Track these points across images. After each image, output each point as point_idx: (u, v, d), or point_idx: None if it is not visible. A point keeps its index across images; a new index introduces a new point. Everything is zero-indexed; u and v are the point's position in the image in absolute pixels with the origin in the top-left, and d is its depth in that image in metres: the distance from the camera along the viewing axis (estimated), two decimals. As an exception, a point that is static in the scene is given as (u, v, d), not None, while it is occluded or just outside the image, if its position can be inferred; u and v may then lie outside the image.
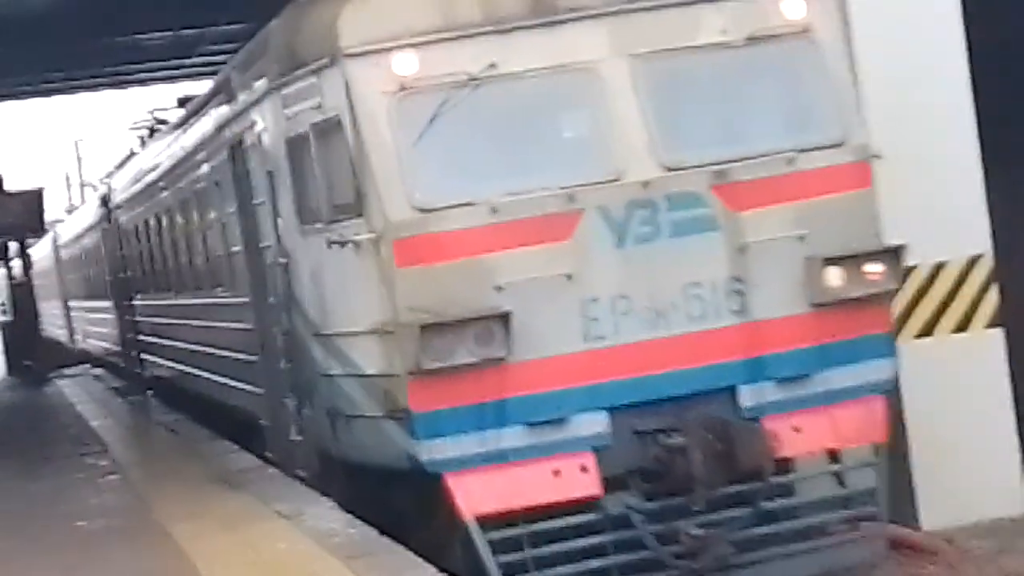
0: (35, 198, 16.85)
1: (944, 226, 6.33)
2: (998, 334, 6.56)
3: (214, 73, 11.45)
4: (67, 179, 33.43)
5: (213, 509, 6.11)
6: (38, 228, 18.00)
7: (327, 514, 5.50)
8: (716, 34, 4.61)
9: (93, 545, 5.87)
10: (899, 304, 5.84)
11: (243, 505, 6.10)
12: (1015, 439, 6.47)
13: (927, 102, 6.28)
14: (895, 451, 5.12)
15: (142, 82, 19.23)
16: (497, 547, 4.21)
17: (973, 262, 6.53)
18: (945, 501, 6.07)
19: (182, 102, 10.61)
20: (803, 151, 4.57)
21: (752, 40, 4.61)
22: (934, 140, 6.31)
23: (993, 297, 6.57)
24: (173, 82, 18.18)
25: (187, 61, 16.24)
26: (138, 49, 15.04)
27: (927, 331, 6.39)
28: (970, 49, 6.43)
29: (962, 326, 6.49)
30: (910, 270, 5.46)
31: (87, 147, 34.22)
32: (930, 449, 6.06)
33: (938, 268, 6.41)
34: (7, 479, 8.65)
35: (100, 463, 8.92)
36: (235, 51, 9.22)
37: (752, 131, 4.87)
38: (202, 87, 12.47)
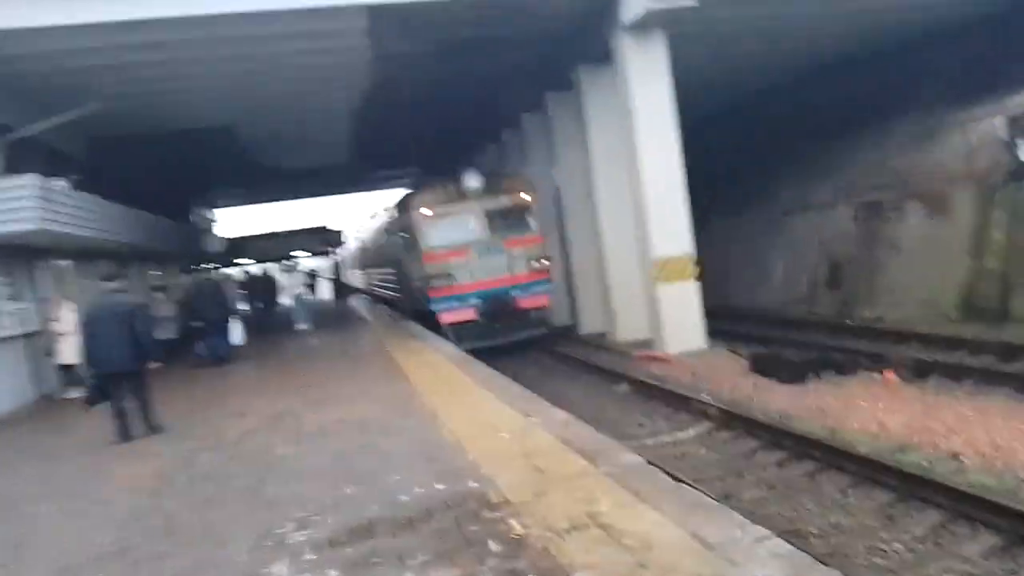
0: (338, 234, 36.08)
1: (675, 240, 14.48)
2: (695, 284, 14.48)
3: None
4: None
5: (408, 346, 14.65)
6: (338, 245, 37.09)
7: (451, 348, 13.93)
8: (505, 202, 16.98)
9: (361, 360, 13.92)
10: (661, 269, 14.80)
11: (419, 345, 14.56)
12: (701, 320, 14.56)
13: (667, 194, 14.31)
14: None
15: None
16: (453, 330, 16.26)
17: (686, 253, 14.44)
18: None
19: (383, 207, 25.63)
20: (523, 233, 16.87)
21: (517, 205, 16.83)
22: (670, 209, 14.29)
23: (695, 268, 14.54)
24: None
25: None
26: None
27: (668, 281, 14.90)
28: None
29: (682, 278, 14.77)
30: (663, 259, 14.34)
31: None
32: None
33: (674, 256, 14.84)
34: (333, 335, 18.98)
35: (366, 328, 20.47)
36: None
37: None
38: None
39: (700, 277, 14.58)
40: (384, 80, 16.24)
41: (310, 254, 37.76)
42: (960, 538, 6.10)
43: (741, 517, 4.39)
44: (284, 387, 11.68)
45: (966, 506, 6.35)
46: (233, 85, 15.51)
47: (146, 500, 6.52)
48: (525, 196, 17.27)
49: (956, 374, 10.89)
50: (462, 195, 16.81)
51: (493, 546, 4.41)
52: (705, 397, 10.87)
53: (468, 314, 16.20)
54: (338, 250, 37.97)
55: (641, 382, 12.57)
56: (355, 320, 23.73)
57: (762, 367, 12.26)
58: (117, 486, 7.14)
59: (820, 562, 4.04)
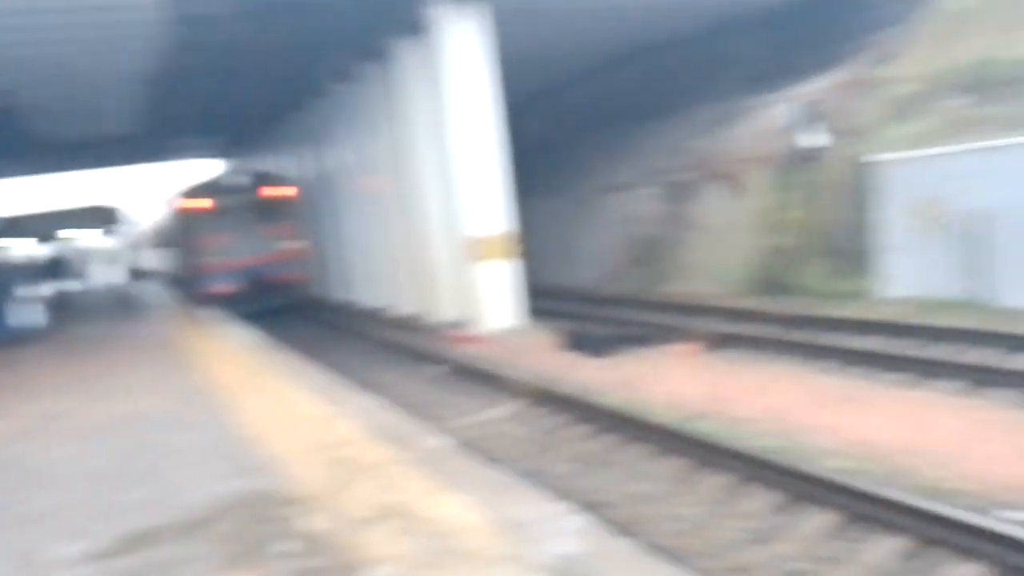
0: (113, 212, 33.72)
1: (493, 219, 14.38)
2: (513, 262, 14.61)
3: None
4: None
5: (205, 333, 13.93)
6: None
7: (253, 335, 14.17)
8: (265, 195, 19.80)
9: (152, 349, 14.52)
10: (477, 249, 14.74)
11: (217, 332, 14.40)
12: (519, 299, 14.80)
13: (484, 172, 14.24)
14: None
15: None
16: (221, 300, 18.54)
17: (505, 233, 14.63)
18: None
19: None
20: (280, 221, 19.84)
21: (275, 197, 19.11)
22: (488, 188, 14.25)
23: (514, 247, 14.76)
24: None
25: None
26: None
27: (485, 259, 14.96)
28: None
29: (500, 257, 14.92)
30: (480, 237, 14.28)
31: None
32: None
33: (492, 235, 14.98)
34: (122, 323, 18.02)
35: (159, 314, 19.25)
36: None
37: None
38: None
39: (519, 256, 14.69)
40: (184, 44, 15.08)
41: (95, 234, 34.80)
42: (749, 498, 6.44)
43: (546, 495, 4.36)
44: (66, 377, 10.64)
45: (754, 468, 6.72)
46: (9, 44, 13.75)
47: None
48: (282, 190, 21.51)
49: (749, 344, 11.63)
50: (229, 190, 20.70)
51: (290, 545, 4.14)
52: (517, 375, 10.95)
53: (232, 287, 19.66)
54: (129, 230, 35.15)
55: (456, 363, 12.51)
56: (147, 306, 22.26)
57: (574, 343, 12.56)
58: None
59: (621, 535, 4.07)
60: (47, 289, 27.00)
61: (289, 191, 21.42)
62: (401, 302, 18.05)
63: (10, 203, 36.39)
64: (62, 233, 32.71)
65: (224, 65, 17.74)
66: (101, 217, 32.48)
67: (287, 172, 24.53)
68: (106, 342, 14.26)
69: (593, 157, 20.85)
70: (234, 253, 19.66)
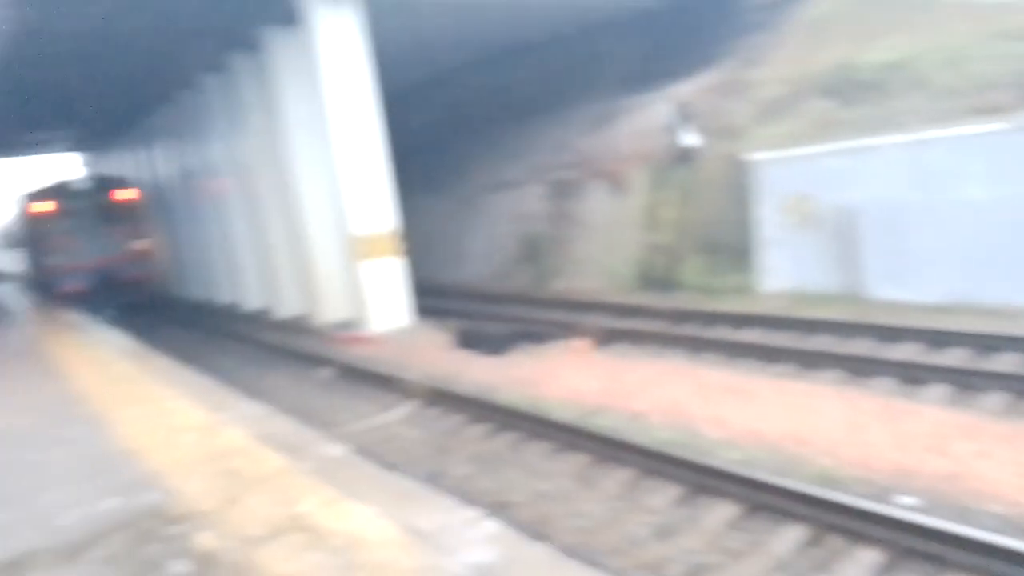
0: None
1: (377, 216, 14.16)
2: (400, 261, 14.39)
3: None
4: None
5: (71, 340, 12.97)
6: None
7: (124, 340, 13.35)
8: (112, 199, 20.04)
9: (11, 357, 14.21)
10: (362, 248, 14.31)
11: (84, 339, 13.21)
12: (407, 298, 14.54)
13: (367, 168, 13.96)
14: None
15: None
16: (71, 298, 19.87)
17: (389, 231, 14.44)
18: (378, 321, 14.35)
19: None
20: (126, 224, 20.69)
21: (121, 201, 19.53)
22: (371, 184, 13.96)
23: (399, 245, 14.54)
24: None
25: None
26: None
27: (370, 258, 14.64)
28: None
29: (385, 255, 14.66)
30: (364, 235, 13.84)
31: None
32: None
33: (376, 233, 14.63)
34: None
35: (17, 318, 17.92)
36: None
37: None
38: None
39: (405, 254, 14.42)
40: (31, 29, 13.92)
41: None
42: (650, 492, 6.48)
43: (452, 501, 4.20)
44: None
45: (653, 462, 6.77)
46: None
47: None
48: (128, 194, 22.53)
49: (638, 339, 11.82)
50: (76, 194, 21.65)
51: (178, 566, 3.79)
52: (410, 376, 10.71)
53: (81, 286, 20.57)
54: None
55: (345, 365, 12.13)
56: (3, 308, 20.55)
57: (466, 341, 12.42)
58: None
59: (534, 540, 3.95)
60: None
61: (133, 194, 22.80)
62: (284, 303, 17.34)
63: None
64: None
65: (80, 53, 16.50)
66: None
67: (149, 168, 25.42)
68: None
69: (477, 154, 20.78)
70: (82, 254, 20.83)
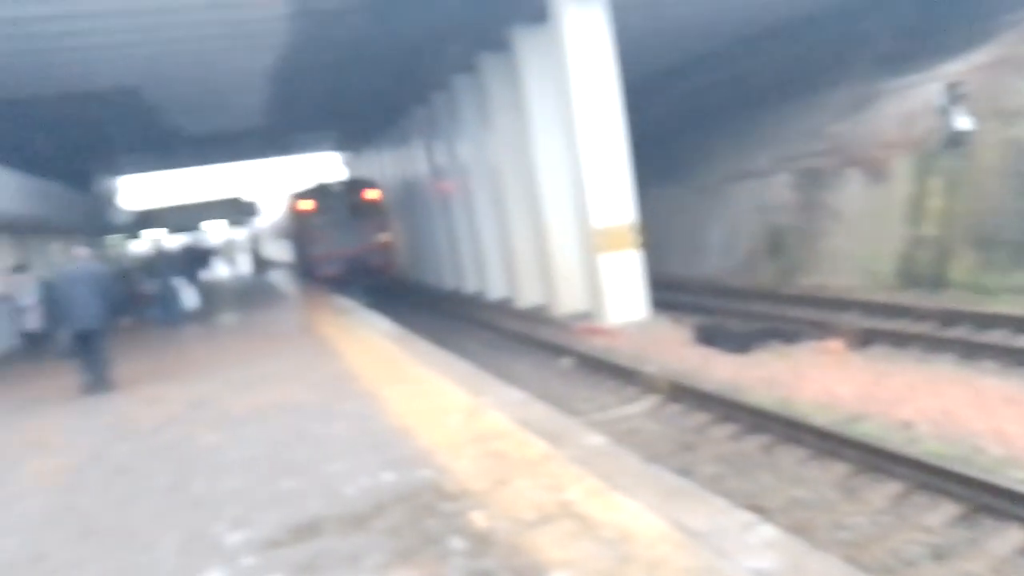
0: (252, 205, 35.79)
1: (617, 208, 14.15)
2: (638, 253, 14.31)
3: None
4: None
5: (339, 322, 13.74)
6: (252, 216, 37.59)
7: (386, 324, 13.39)
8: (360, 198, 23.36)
9: (291, 337, 13.15)
10: (603, 239, 14.46)
11: (350, 322, 13.81)
12: (644, 291, 14.43)
13: (609, 160, 14.02)
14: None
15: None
16: (328, 282, 22.34)
17: (628, 223, 14.34)
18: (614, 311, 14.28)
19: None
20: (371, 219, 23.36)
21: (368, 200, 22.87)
22: (612, 176, 14.00)
23: (637, 238, 14.39)
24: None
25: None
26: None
27: (610, 250, 14.64)
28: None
29: (624, 247, 14.48)
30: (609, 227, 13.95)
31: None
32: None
33: (616, 225, 14.59)
34: (258, 311, 18.81)
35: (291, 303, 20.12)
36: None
37: None
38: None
39: (642, 246, 14.33)
40: (304, 39, 15.41)
41: (225, 225, 36.29)
42: (921, 508, 5.97)
43: (724, 502, 4.07)
44: (211, 363, 11.11)
45: (926, 475, 6.22)
46: (136, 43, 14.37)
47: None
48: (374, 194, 26.25)
49: (900, 341, 10.90)
50: (333, 194, 25.54)
51: (456, 543, 4.00)
52: (650, 370, 10.62)
53: (336, 271, 23.95)
54: (255, 222, 36.61)
55: (585, 356, 12.27)
56: (277, 293, 22.95)
57: (706, 337, 12.11)
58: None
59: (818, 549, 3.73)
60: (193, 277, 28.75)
61: (377, 194, 26.42)
62: (524, 293, 17.94)
63: (145, 196, 38.58)
64: (196, 225, 34.25)
65: (343, 59, 18.04)
66: (239, 209, 33.90)
67: (398, 166, 28.51)
68: (245, 329, 14.79)
69: (718, 143, 20.12)
70: (337, 244, 24.29)
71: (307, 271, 26.49)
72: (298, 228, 27.74)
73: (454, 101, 20.16)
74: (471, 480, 4.81)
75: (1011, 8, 14.44)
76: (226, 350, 12.60)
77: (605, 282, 14.07)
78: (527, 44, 15.61)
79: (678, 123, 22.07)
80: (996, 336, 10.50)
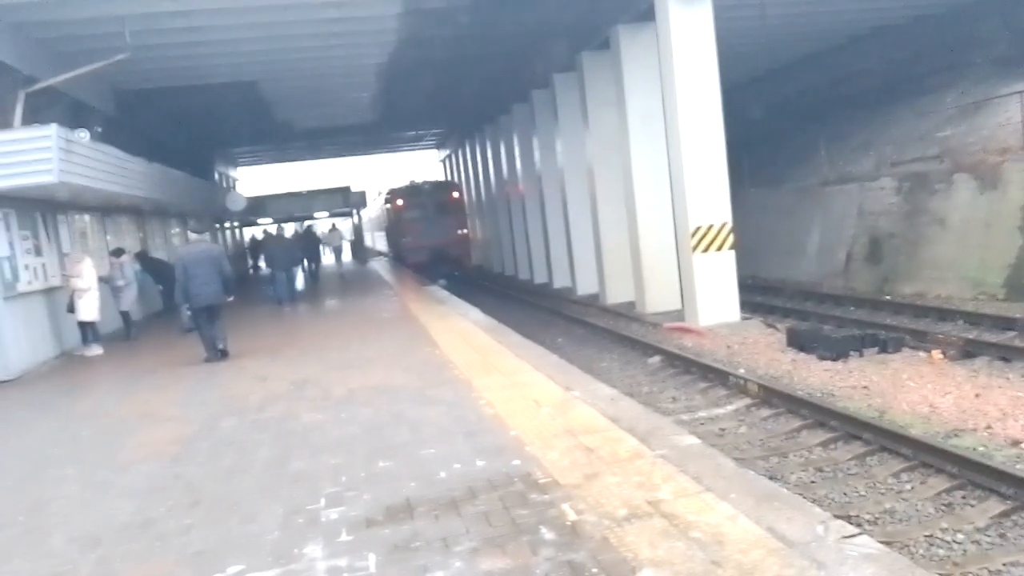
0: (362, 195, 36.60)
1: (713, 208, 14.10)
2: (731, 254, 14.14)
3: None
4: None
5: (435, 311, 13.91)
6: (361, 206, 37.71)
7: (479, 314, 13.20)
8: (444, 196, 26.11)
9: (388, 323, 13.55)
10: (698, 238, 14.34)
11: (446, 310, 13.98)
12: (736, 292, 14.20)
13: (707, 160, 13.91)
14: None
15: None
16: (416, 268, 25.40)
17: (723, 223, 14.20)
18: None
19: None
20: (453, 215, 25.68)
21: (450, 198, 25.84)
22: (710, 176, 13.89)
23: (731, 238, 14.22)
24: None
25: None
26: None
27: (704, 250, 14.49)
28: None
29: (717, 248, 14.36)
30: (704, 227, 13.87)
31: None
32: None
33: (711, 225, 14.48)
34: (358, 296, 19.40)
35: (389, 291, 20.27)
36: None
37: None
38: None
39: (735, 248, 14.14)
40: (413, 36, 15.79)
41: (331, 215, 37.29)
42: (1027, 530, 5.74)
43: (820, 510, 4.03)
44: (314, 344, 11.61)
45: (1032, 496, 5.98)
46: (258, 39, 15.13)
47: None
48: (456, 194, 30.89)
49: (1007, 355, 10.44)
50: (422, 192, 29.40)
51: (546, 533, 4.08)
52: (740, 372, 10.49)
53: (422, 260, 27.01)
54: (359, 213, 37.59)
55: (673, 355, 12.20)
56: (377, 282, 23.49)
57: (799, 342, 11.87)
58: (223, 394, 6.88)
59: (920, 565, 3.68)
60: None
61: (458, 194, 31.13)
62: (614, 290, 17.95)
63: (259, 185, 40.22)
64: (307, 213, 35.46)
65: (449, 57, 18.41)
66: (347, 200, 34.91)
67: (492, 165, 30.16)
68: (347, 313, 15.28)
69: (817, 146, 19.58)
70: (424, 237, 27.77)
71: (398, 257, 30.92)
72: (392, 221, 31.89)
73: (554, 99, 20.30)
74: (561, 473, 4.90)
75: None
76: (328, 332, 13.11)
77: (697, 282, 13.96)
78: (630, 43, 15.65)
79: (776, 125, 21.60)
80: (1116, 354, 9.95)
